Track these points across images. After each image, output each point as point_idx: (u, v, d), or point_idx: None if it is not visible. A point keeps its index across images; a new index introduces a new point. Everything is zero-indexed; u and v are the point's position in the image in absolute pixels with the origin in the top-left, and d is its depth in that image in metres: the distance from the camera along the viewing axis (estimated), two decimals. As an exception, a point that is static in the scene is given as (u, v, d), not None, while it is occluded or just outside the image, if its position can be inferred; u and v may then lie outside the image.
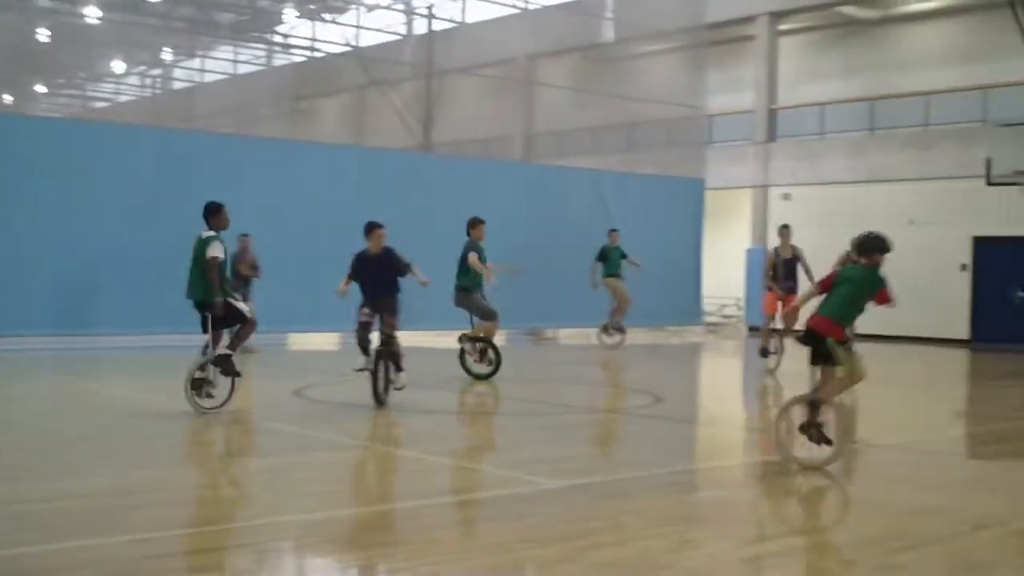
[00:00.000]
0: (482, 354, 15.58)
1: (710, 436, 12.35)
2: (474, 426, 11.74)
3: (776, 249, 17.92)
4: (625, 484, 8.62)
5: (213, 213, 12.15)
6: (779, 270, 17.72)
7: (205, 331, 12.11)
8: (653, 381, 17.34)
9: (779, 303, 17.54)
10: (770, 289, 17.84)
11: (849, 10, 31.76)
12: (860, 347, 20.21)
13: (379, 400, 12.27)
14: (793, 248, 17.82)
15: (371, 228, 13.02)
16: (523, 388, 15.27)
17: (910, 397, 15.80)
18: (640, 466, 9.46)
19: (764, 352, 17.94)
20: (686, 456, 10.73)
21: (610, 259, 22.30)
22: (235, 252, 19.86)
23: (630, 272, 22.64)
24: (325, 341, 23.51)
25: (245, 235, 19.90)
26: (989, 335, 26.58)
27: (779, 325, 17.50)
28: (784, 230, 17.97)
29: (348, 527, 7.04)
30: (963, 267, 27.27)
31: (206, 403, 11.66)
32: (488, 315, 15.57)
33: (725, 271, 32.21)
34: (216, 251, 11.78)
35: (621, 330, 22.89)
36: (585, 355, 21.73)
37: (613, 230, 22.53)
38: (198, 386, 11.80)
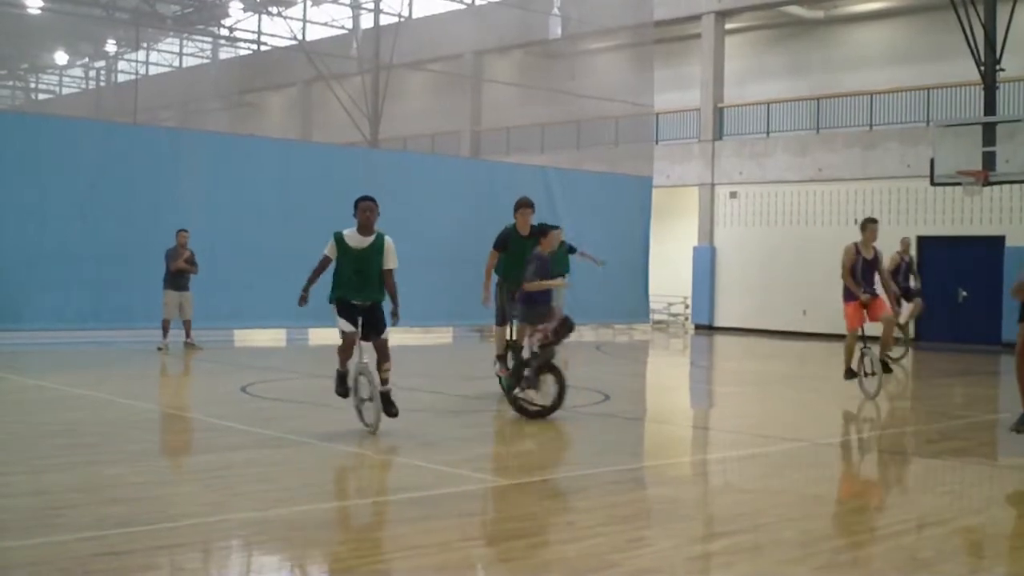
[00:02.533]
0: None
1: (658, 433, 12.37)
2: (421, 423, 11.67)
3: (857, 245, 14.64)
4: (573, 482, 8.60)
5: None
6: (858, 272, 14.51)
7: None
8: (601, 379, 17.34)
9: (864, 311, 14.58)
10: (853, 296, 14.49)
11: (795, 10, 31.95)
12: (795, 346, 20.23)
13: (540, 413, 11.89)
14: (875, 248, 14.79)
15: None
16: (470, 386, 15.23)
17: (856, 395, 15.89)
18: (588, 464, 9.44)
19: (851, 374, 14.82)
20: (634, 453, 10.73)
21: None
22: (171, 248, 19.62)
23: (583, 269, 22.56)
24: (270, 337, 23.36)
25: (183, 231, 19.68)
26: (933, 334, 26.86)
27: (866, 334, 14.76)
28: (870, 224, 14.70)
29: (296, 525, 6.96)
30: (907, 266, 27.53)
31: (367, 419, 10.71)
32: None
33: (672, 269, 32.33)
34: (326, 247, 10.56)
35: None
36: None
37: (555, 227, 22.07)
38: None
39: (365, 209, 10.25)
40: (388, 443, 10.10)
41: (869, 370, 14.53)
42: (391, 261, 10.34)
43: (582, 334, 27.01)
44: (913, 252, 22.40)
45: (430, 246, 23.99)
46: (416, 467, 8.99)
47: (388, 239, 10.35)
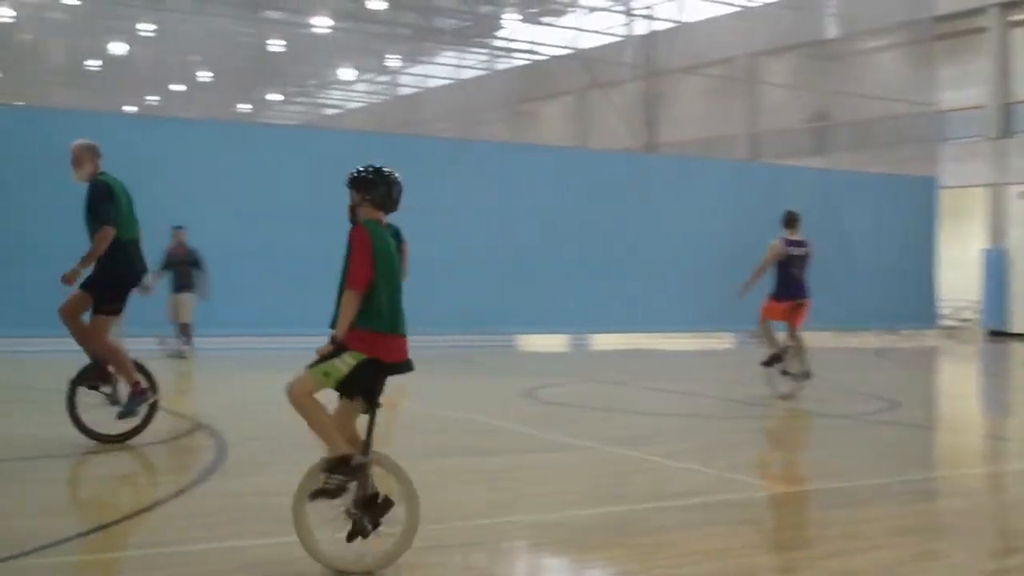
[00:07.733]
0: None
1: (949, 443, 11.90)
2: (697, 428, 11.59)
3: None
4: (858, 491, 8.36)
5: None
6: None
7: None
8: (885, 385, 16.84)
9: None
10: None
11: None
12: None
13: None
14: None
15: None
16: (743, 391, 15.04)
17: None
18: (872, 473, 9.17)
19: None
20: (923, 463, 10.37)
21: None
22: (170, 245, 18.50)
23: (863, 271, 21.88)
24: (550, 343, 23.65)
25: (179, 227, 18.52)
26: None
27: None
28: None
29: (578, 528, 7.03)
30: None
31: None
32: None
33: (959, 272, 31.09)
34: None
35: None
36: (819, 357, 21.24)
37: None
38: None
39: None
40: (667, 448, 10.09)
41: None
42: None
43: (866, 340, 26.35)
44: None
45: (705, 251, 23.87)
46: (694, 472, 8.94)
47: None
